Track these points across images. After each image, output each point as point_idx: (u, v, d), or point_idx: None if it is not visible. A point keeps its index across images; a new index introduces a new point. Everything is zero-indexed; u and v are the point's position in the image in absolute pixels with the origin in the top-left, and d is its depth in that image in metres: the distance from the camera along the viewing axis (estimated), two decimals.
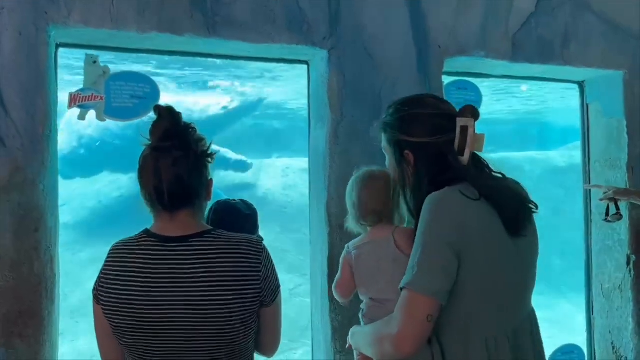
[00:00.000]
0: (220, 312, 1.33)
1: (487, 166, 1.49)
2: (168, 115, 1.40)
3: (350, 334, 1.73)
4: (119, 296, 1.34)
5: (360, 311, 1.79)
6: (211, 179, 1.46)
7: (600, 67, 3.07)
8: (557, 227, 8.65)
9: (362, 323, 1.77)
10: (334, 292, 1.86)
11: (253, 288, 1.36)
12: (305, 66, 2.73)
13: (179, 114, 1.41)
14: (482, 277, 1.33)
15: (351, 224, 1.84)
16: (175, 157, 1.35)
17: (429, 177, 1.43)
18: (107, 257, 1.39)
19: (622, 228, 3.08)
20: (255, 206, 1.92)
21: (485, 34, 2.78)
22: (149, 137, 1.40)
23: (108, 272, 1.37)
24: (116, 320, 1.35)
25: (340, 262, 1.83)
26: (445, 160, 1.41)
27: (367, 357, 1.62)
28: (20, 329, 2.03)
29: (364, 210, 1.77)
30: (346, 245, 1.82)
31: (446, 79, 2.85)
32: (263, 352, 1.53)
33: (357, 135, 2.49)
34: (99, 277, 1.39)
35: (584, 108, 3.32)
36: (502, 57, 2.84)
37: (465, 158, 1.41)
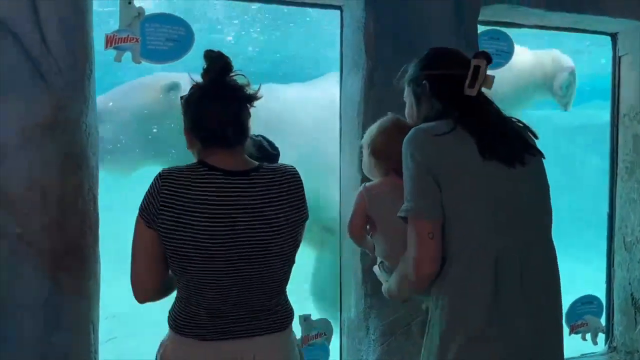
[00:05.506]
0: (281, 238, 1.44)
1: (492, 103, 1.61)
2: (219, 59, 1.46)
3: (383, 289, 1.79)
4: (179, 223, 1.38)
5: (381, 264, 1.82)
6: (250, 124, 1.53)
7: (636, 18, 3.01)
8: (570, 185, 8.65)
9: (382, 275, 1.81)
10: (347, 231, 1.86)
11: (302, 211, 1.51)
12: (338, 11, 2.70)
13: (228, 58, 1.48)
14: (458, 201, 1.45)
15: (365, 169, 1.84)
16: (230, 98, 1.45)
17: (437, 108, 1.57)
18: (161, 183, 1.40)
19: None
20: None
21: None
22: (201, 79, 1.46)
23: (166, 198, 1.39)
24: (176, 247, 1.39)
25: (354, 198, 1.81)
26: (455, 91, 1.55)
27: None
28: (66, 264, 2.09)
29: (381, 155, 1.76)
30: (363, 183, 1.83)
31: (479, 29, 2.81)
32: None
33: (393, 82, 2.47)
34: (152, 203, 1.40)
35: (616, 61, 3.28)
36: (538, 4, 2.79)
37: (475, 90, 1.54)
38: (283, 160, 1.74)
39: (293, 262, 1.55)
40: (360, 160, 2.51)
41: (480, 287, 1.42)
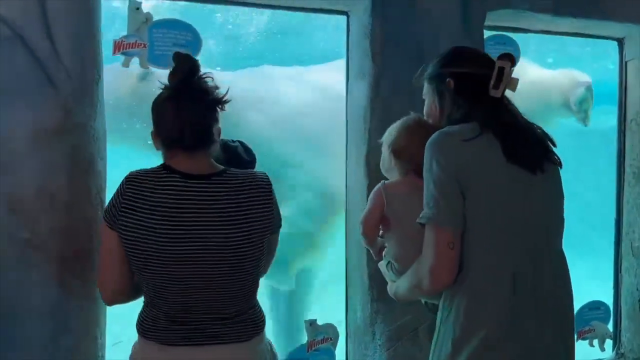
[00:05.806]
0: (243, 244, 1.42)
1: (514, 105, 1.59)
2: (187, 61, 1.46)
3: (388, 288, 1.77)
4: (140, 226, 1.38)
5: (389, 264, 1.78)
6: (219, 127, 1.53)
7: None
8: (577, 190, 8.64)
9: (390, 275, 1.78)
10: (360, 228, 1.80)
11: (268, 218, 1.48)
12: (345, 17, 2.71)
13: (197, 61, 1.48)
14: (481, 207, 1.43)
15: (384, 167, 1.80)
16: (196, 100, 1.44)
17: (462, 108, 1.54)
18: (126, 186, 1.42)
19: None
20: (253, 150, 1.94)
21: None
22: (167, 81, 1.46)
23: (128, 200, 1.40)
24: (136, 250, 1.40)
25: (371, 196, 1.76)
26: (479, 91, 1.52)
27: None
28: (74, 268, 2.10)
29: (402, 155, 1.72)
30: (382, 181, 1.78)
31: (485, 34, 2.82)
32: (261, 273, 1.60)
33: (399, 87, 2.48)
34: (114, 204, 1.41)
35: (622, 66, 3.28)
36: (544, 9, 2.80)
37: (499, 91, 1.51)
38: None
39: (262, 268, 1.54)
40: (366, 165, 2.52)
41: (498, 290, 1.41)
